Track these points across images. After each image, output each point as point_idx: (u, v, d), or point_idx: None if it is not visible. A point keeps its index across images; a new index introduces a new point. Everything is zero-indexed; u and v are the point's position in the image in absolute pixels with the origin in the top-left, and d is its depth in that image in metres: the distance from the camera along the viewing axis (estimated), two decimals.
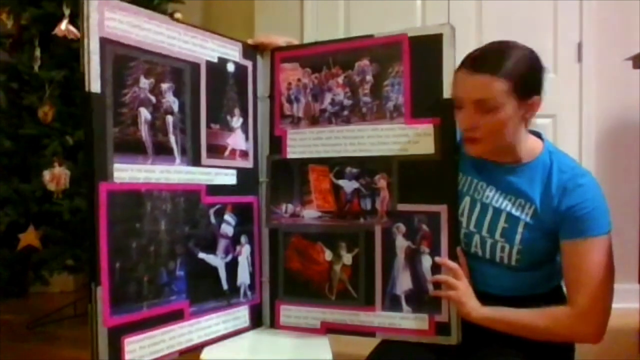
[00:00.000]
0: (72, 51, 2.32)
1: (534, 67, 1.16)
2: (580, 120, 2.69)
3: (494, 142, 1.17)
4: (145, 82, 1.16)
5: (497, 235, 1.20)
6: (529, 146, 1.22)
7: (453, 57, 1.26)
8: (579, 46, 2.68)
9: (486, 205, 1.23)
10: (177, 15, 2.48)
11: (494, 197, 1.22)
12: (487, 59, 1.14)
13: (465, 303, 1.20)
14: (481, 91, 1.12)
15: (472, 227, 1.24)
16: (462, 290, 1.21)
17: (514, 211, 1.19)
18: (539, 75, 1.17)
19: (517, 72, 1.12)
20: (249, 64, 1.42)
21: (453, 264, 1.24)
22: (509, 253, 1.20)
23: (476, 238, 1.23)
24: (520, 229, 1.18)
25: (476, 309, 1.20)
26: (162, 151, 1.20)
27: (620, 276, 2.03)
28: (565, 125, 2.66)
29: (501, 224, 1.20)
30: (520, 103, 1.14)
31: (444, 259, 1.25)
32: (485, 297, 1.22)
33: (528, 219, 1.18)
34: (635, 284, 2.14)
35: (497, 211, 1.21)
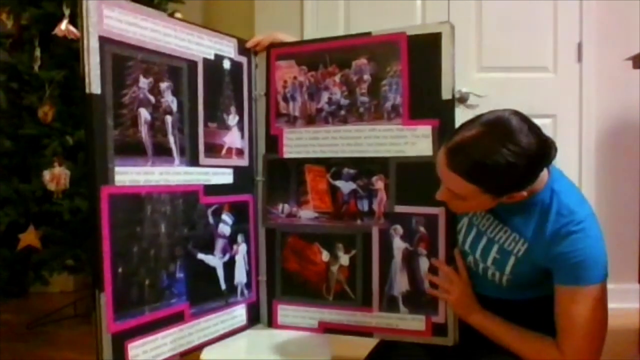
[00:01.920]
0: (72, 51, 2.32)
1: (516, 167, 1.02)
2: (580, 120, 2.68)
3: (470, 211, 1.21)
4: (144, 82, 1.16)
5: (489, 262, 1.20)
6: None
7: (452, 56, 1.25)
8: (579, 46, 2.67)
9: (482, 233, 1.22)
10: (177, 15, 2.48)
11: (489, 226, 1.21)
12: (460, 155, 1.05)
13: (460, 306, 1.21)
14: (451, 185, 1.10)
15: (467, 248, 1.24)
16: (457, 295, 1.21)
17: (506, 245, 1.18)
18: (526, 173, 1.06)
19: (488, 178, 1.05)
20: (244, 60, 1.41)
21: (448, 268, 1.23)
22: (500, 279, 1.20)
23: (470, 258, 1.24)
24: (511, 262, 1.17)
25: (472, 313, 1.20)
26: (162, 152, 1.19)
27: (620, 276, 2.04)
28: (565, 125, 2.66)
29: (493, 253, 1.19)
30: (496, 197, 1.09)
31: (439, 261, 1.25)
32: (482, 300, 1.22)
33: (520, 255, 1.16)
34: (635, 284, 2.14)
35: (491, 241, 1.20)
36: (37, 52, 2.36)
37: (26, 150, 2.40)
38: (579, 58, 2.68)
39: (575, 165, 2.62)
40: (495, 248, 1.19)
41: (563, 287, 1.10)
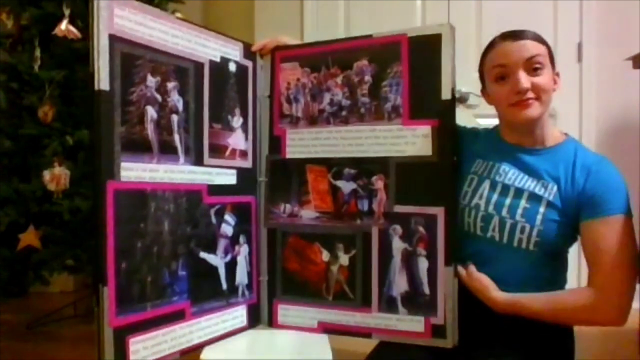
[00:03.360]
0: (72, 51, 2.32)
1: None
2: (580, 120, 2.69)
3: (546, 102, 1.21)
4: (152, 81, 1.17)
5: (518, 216, 1.20)
6: (554, 132, 1.26)
7: (452, 57, 1.25)
8: (579, 46, 2.68)
9: (508, 187, 1.23)
10: (177, 14, 2.48)
11: (516, 178, 1.23)
12: (525, 31, 1.22)
13: (492, 288, 1.21)
14: (531, 50, 1.19)
15: (491, 209, 1.23)
16: (487, 279, 1.22)
17: (537, 190, 1.20)
18: None
19: (547, 43, 1.23)
20: (249, 63, 1.42)
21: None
22: (529, 234, 1.19)
23: (495, 220, 1.22)
24: (542, 209, 1.18)
25: (501, 294, 1.20)
26: (167, 150, 1.20)
27: None
28: (565, 125, 2.64)
29: (522, 204, 1.20)
30: (552, 71, 1.23)
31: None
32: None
33: (550, 198, 1.19)
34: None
35: (519, 191, 1.21)
36: (37, 52, 2.36)
37: (26, 150, 2.40)
38: (579, 58, 2.69)
39: None
40: (524, 197, 1.21)
41: (592, 221, 1.15)
